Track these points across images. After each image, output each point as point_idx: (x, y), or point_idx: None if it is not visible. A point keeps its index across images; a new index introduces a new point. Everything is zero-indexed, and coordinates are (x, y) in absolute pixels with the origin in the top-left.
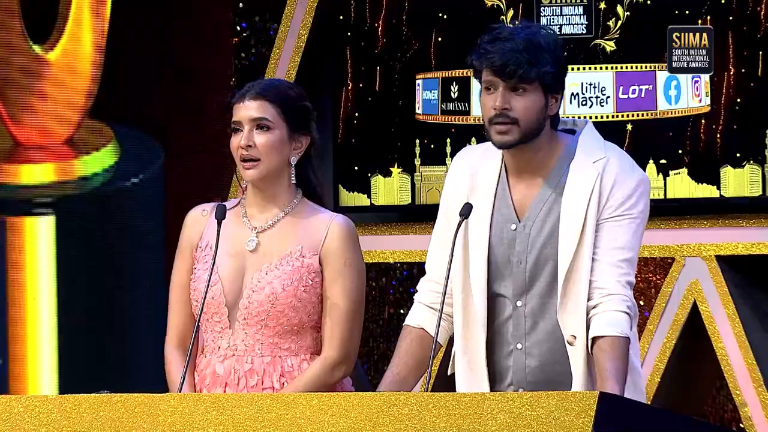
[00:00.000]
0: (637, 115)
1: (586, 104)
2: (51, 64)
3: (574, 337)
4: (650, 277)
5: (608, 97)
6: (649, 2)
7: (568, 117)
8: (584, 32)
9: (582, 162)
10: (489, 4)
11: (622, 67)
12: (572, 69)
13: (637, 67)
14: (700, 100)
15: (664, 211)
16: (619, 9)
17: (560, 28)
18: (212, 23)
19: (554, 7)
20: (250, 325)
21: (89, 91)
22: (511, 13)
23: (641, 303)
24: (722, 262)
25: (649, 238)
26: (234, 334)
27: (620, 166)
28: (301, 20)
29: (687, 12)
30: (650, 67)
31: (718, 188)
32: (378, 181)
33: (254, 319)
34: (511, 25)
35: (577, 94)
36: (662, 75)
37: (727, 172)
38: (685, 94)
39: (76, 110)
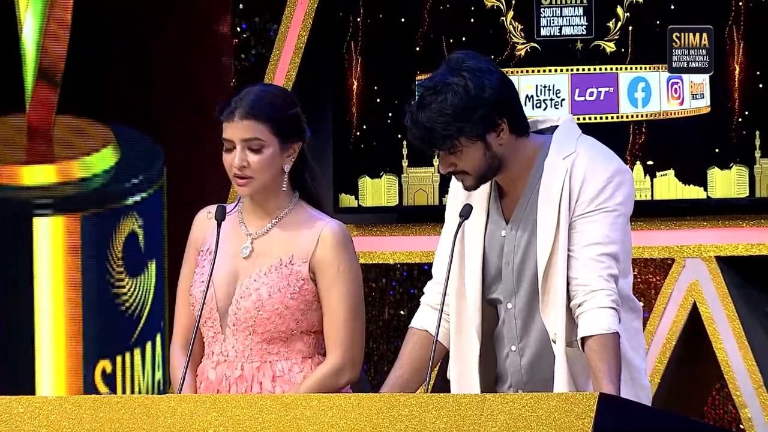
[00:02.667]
0: (596, 118)
1: (540, 106)
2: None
3: (556, 335)
4: (650, 278)
5: (563, 99)
6: (649, 3)
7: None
8: (584, 33)
9: (554, 158)
10: (489, 4)
11: (578, 69)
12: (528, 72)
13: (596, 69)
14: (681, 102)
15: (662, 212)
16: (619, 10)
17: (560, 29)
18: (212, 24)
19: (554, 8)
20: (239, 331)
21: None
22: (511, 13)
23: (641, 304)
24: (722, 263)
25: (649, 239)
26: (226, 340)
27: (590, 160)
28: (301, 21)
29: (687, 12)
30: (612, 69)
31: (705, 190)
32: (365, 183)
33: (242, 325)
34: (428, 85)
35: (532, 96)
36: (626, 77)
37: (714, 174)
38: (656, 97)
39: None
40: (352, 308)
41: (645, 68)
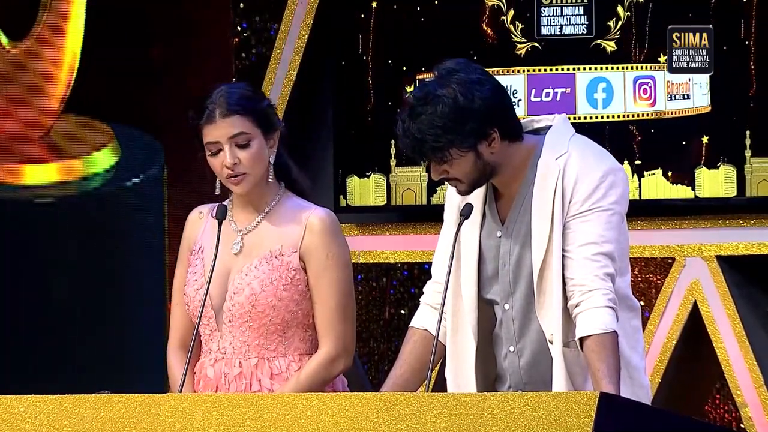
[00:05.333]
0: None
1: None
2: (21, 59)
3: (553, 335)
4: (651, 277)
5: (519, 100)
6: (649, 2)
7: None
8: (585, 32)
9: (546, 159)
10: (489, 4)
11: (534, 70)
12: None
13: (553, 70)
14: (653, 104)
15: (662, 211)
16: (620, 9)
17: (560, 29)
18: (212, 23)
19: (554, 8)
20: (236, 327)
21: (62, 88)
22: (511, 13)
23: (642, 303)
24: (723, 262)
25: (650, 238)
26: (222, 337)
27: (582, 159)
28: (302, 20)
29: (688, 12)
30: (570, 70)
31: (693, 189)
32: (354, 182)
33: (238, 320)
34: (418, 96)
35: None
36: (584, 77)
37: (702, 173)
38: (619, 97)
39: (49, 106)
40: (343, 296)
41: (607, 68)
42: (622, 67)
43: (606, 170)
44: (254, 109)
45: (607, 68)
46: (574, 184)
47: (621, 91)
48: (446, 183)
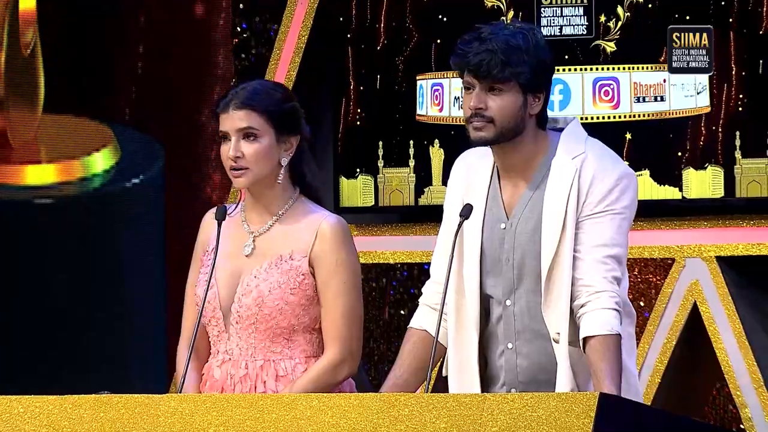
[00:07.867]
0: None
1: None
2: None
3: (559, 334)
4: (650, 277)
5: None
6: (649, 3)
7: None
8: (584, 33)
9: (562, 158)
10: (489, 4)
11: None
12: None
13: None
14: (616, 105)
15: (662, 211)
16: (620, 9)
17: (560, 29)
18: (212, 23)
19: (554, 8)
20: (243, 328)
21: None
22: (511, 13)
23: (641, 304)
24: (722, 263)
25: (649, 238)
26: (230, 338)
27: (599, 161)
28: (301, 21)
29: (687, 12)
30: None
31: (680, 190)
32: (342, 183)
33: (245, 322)
34: (494, 25)
35: (458, 97)
36: None
37: (689, 174)
38: (577, 99)
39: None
40: (350, 302)
41: (566, 69)
42: (580, 69)
43: (621, 174)
44: (270, 109)
45: (564, 70)
46: (590, 185)
47: (579, 93)
48: (473, 121)
